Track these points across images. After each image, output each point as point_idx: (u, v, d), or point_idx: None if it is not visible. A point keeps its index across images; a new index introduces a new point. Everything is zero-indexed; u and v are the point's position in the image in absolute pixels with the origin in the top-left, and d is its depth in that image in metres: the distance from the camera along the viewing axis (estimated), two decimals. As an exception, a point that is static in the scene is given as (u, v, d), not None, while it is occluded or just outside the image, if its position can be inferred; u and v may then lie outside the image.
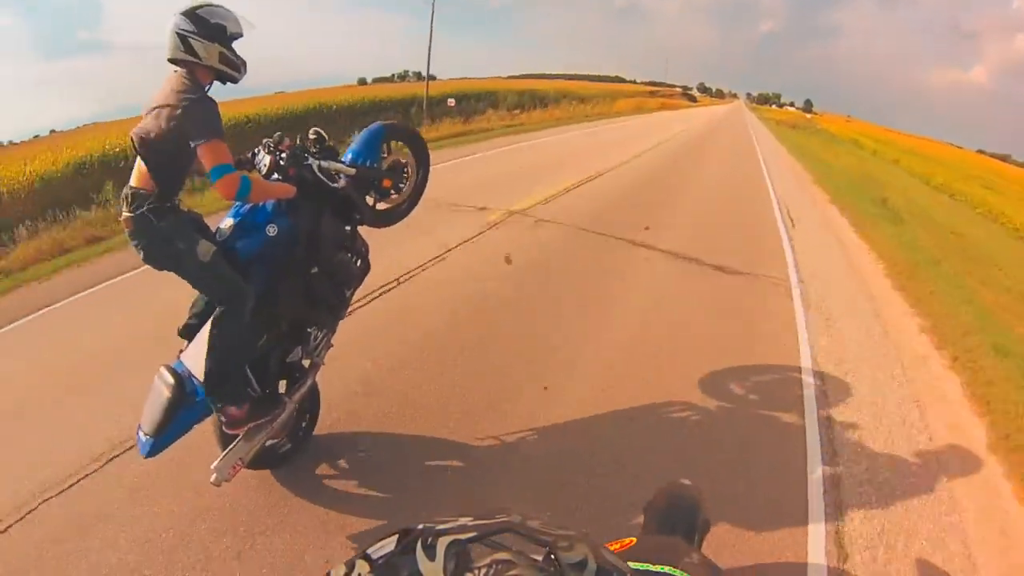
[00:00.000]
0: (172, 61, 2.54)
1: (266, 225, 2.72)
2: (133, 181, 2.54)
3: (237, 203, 2.78)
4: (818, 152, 30.35)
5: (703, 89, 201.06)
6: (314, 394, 3.30)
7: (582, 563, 0.80)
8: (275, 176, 2.82)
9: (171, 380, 2.63)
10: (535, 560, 0.78)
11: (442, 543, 0.78)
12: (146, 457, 2.67)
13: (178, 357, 2.78)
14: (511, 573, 0.76)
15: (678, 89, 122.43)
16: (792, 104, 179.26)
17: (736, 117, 64.41)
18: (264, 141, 2.92)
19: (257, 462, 3.01)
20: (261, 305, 2.70)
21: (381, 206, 3.28)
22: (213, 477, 2.77)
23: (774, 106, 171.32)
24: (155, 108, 2.47)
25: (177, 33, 2.47)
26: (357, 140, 3.14)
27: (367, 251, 3.25)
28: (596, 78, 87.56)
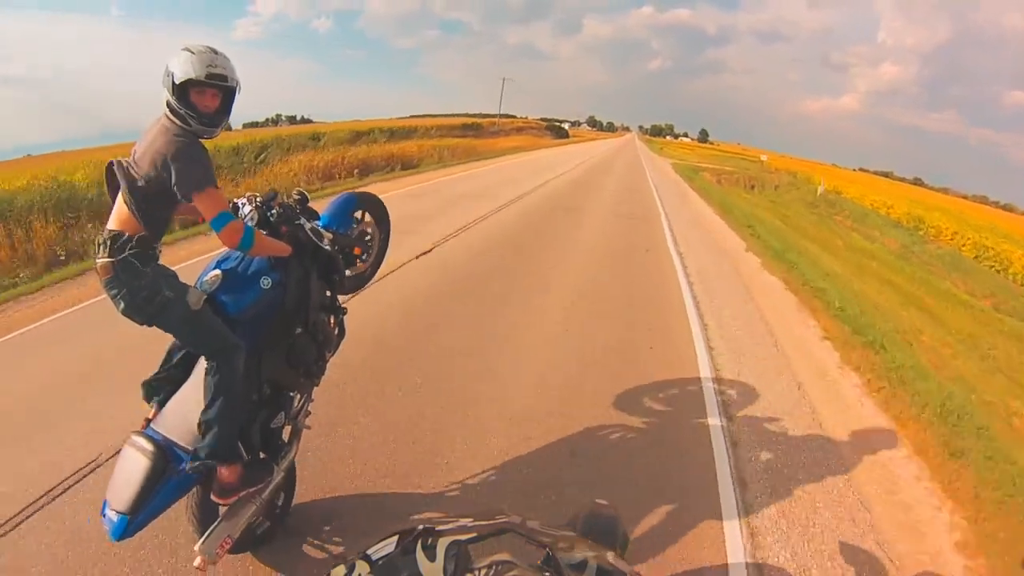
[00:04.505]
0: None
1: (260, 277, 2.55)
2: (113, 223, 2.29)
3: (223, 253, 2.63)
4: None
5: (593, 123, 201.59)
6: (290, 468, 3.01)
7: (582, 564, 0.84)
8: (263, 232, 2.67)
9: (150, 448, 2.31)
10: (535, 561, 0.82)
11: (442, 544, 0.81)
12: (116, 540, 2.30)
13: (146, 425, 2.50)
14: (511, 574, 0.79)
15: (538, 122, 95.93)
16: (687, 135, 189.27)
17: (625, 167, 34.73)
18: (248, 195, 2.78)
19: (235, 544, 2.67)
20: (247, 364, 2.49)
21: (347, 273, 3.19)
22: (198, 561, 2.43)
23: (669, 137, 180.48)
24: (148, 146, 2.28)
25: None
26: (330, 207, 3.12)
27: (344, 316, 3.16)
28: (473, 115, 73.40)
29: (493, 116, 64.81)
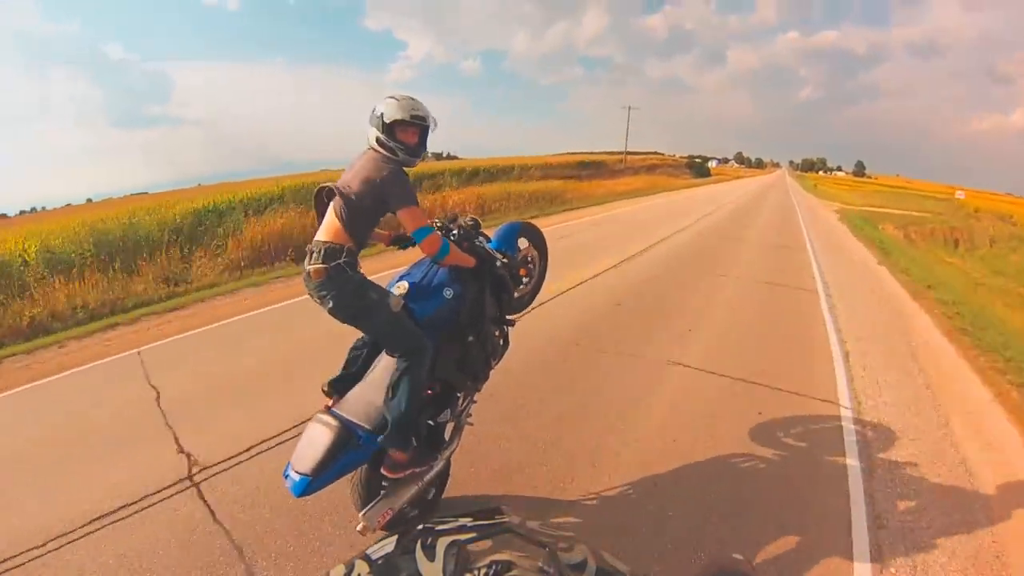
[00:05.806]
0: None
1: (443, 288, 2.95)
2: (323, 235, 2.73)
3: (406, 269, 3.11)
4: None
5: (741, 159, 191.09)
6: (446, 464, 3.35)
7: (582, 564, 0.78)
8: None
9: (334, 423, 2.72)
10: (535, 561, 0.76)
11: (441, 544, 0.77)
12: (298, 496, 2.69)
13: (328, 409, 2.87)
14: (511, 574, 0.74)
15: (677, 159, 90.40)
16: (840, 168, 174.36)
17: (770, 224, 20.62)
18: (430, 220, 3.13)
19: (387, 524, 3.00)
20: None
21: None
22: (360, 526, 2.82)
23: (821, 172, 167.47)
24: (358, 172, 2.74)
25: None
26: (497, 233, 3.49)
27: (510, 329, 3.49)
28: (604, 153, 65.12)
29: (621, 152, 61.08)
